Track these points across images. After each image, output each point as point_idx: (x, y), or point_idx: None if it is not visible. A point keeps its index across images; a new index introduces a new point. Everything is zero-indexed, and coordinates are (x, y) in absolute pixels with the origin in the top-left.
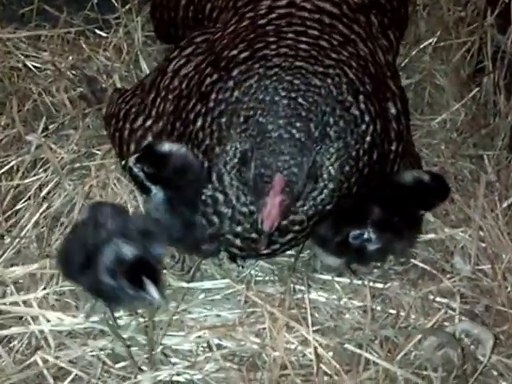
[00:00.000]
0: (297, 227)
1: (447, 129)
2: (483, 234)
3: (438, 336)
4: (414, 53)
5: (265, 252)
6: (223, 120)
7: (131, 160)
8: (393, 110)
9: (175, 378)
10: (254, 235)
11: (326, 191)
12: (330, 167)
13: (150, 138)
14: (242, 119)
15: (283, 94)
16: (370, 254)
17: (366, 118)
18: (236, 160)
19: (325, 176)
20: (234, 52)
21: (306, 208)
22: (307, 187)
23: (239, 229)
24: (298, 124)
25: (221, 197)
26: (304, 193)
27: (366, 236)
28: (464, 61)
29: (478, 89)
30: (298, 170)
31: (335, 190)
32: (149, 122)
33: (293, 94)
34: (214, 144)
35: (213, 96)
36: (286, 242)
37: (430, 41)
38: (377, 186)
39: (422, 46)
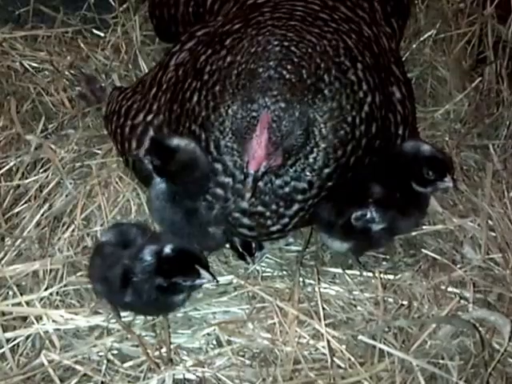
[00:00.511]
0: (300, 196)
1: (451, 120)
2: (492, 223)
3: (454, 324)
4: (414, 46)
5: (275, 229)
6: (217, 88)
7: (141, 152)
8: (398, 95)
9: (187, 376)
10: (260, 208)
11: (317, 150)
12: (322, 125)
13: (151, 133)
14: (234, 77)
15: (275, 43)
16: (376, 236)
17: (364, 87)
18: (229, 120)
19: (316, 133)
20: (228, 26)
21: (300, 168)
22: (296, 137)
23: (244, 204)
24: (288, 67)
25: (220, 166)
26: (295, 145)
27: (368, 216)
28: (465, 52)
29: (480, 79)
30: (286, 106)
31: (328, 151)
32: (150, 117)
33: (285, 43)
34: (209, 113)
35: (207, 69)
36: (294, 215)
37: (430, 33)
38: (376, 163)
39: (422, 39)
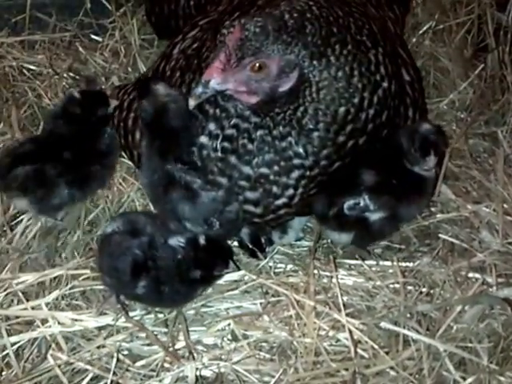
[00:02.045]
0: (297, 160)
1: (456, 109)
2: (507, 206)
3: (482, 302)
4: (414, 40)
5: (281, 202)
6: None
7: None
8: (406, 77)
9: (202, 373)
10: (263, 169)
11: (303, 109)
12: (314, 88)
13: None
14: None
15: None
16: (376, 225)
17: (382, 71)
18: None
19: (306, 93)
20: None
21: (288, 117)
22: (273, 82)
23: (247, 169)
24: (294, 15)
25: (224, 114)
26: (273, 90)
27: (362, 204)
28: (465, 41)
29: (482, 66)
30: (262, 38)
31: (318, 114)
32: None
33: (310, 2)
34: None
35: None
36: (297, 184)
37: (429, 24)
38: (369, 148)
39: (421, 32)
